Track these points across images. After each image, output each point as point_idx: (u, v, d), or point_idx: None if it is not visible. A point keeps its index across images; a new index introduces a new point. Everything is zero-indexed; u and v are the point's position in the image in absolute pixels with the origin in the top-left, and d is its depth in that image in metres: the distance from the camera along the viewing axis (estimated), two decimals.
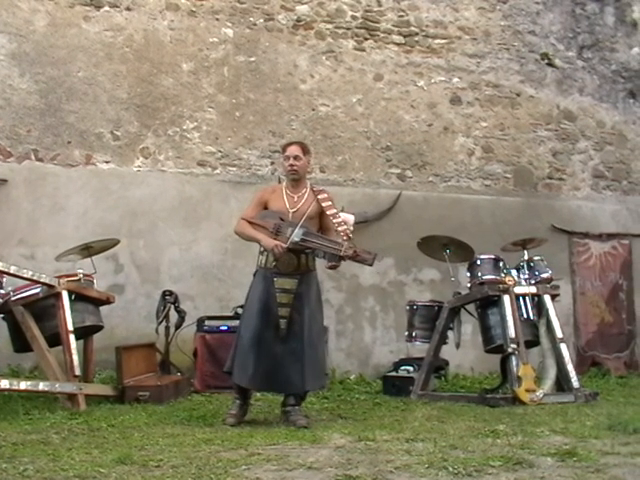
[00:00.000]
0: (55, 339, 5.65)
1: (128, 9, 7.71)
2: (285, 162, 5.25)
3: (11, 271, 5.44)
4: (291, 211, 5.10)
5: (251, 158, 7.93)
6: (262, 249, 5.17)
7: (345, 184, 8.18)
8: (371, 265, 5.20)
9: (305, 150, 5.29)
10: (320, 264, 5.25)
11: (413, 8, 8.66)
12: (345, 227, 5.03)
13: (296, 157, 5.19)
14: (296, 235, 4.96)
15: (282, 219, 5.06)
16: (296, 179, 5.22)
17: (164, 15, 7.82)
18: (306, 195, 5.18)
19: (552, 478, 3.26)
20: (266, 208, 5.19)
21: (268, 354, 4.95)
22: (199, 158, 7.79)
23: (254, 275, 5.23)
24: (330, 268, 5.17)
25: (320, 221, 5.18)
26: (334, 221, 5.08)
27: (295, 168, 5.19)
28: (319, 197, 5.18)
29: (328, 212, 5.13)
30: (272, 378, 4.98)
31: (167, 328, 6.79)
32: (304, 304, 5.04)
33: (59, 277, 5.81)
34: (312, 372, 5.00)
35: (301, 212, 5.08)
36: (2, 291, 5.67)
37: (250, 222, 5.14)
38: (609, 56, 9.43)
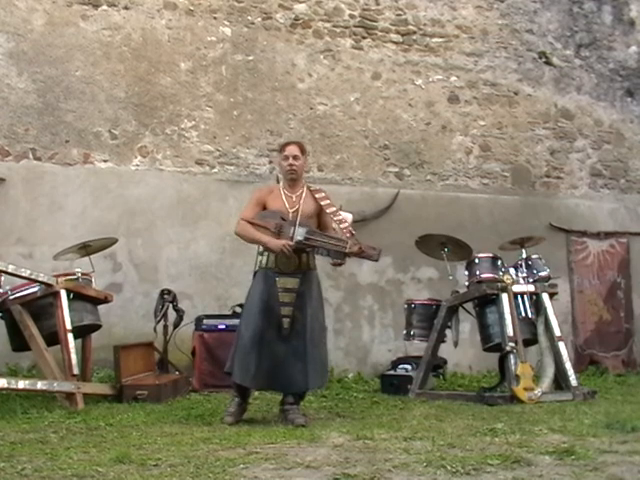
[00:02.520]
0: (53, 338, 5.65)
1: (126, 8, 7.70)
2: (284, 162, 5.22)
3: (9, 270, 5.45)
4: (290, 211, 5.09)
5: (249, 157, 7.92)
6: (262, 250, 5.18)
7: (343, 183, 8.18)
8: (377, 260, 5.21)
9: (303, 150, 5.30)
10: (320, 263, 5.25)
11: (411, 7, 8.66)
12: (347, 224, 5.03)
13: (295, 157, 5.18)
14: (299, 234, 4.96)
15: (283, 218, 5.05)
16: (294, 179, 5.22)
17: (162, 14, 7.82)
18: (304, 195, 5.18)
19: (550, 476, 3.26)
20: (264, 208, 5.18)
21: (270, 353, 4.94)
22: (197, 157, 7.78)
23: (254, 275, 5.22)
24: (335, 265, 5.18)
25: (318, 220, 5.19)
26: (335, 219, 5.08)
27: (294, 168, 5.18)
28: (317, 196, 5.19)
29: (328, 210, 5.14)
30: (274, 377, 4.97)
31: (165, 327, 6.79)
32: (306, 303, 5.04)
33: (57, 276, 5.81)
34: (315, 370, 5.01)
35: (300, 212, 5.07)
36: (0, 290, 5.68)
37: (251, 223, 5.13)
38: (607, 55, 9.44)
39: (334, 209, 5.16)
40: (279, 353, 4.96)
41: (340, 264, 5.13)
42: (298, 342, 4.97)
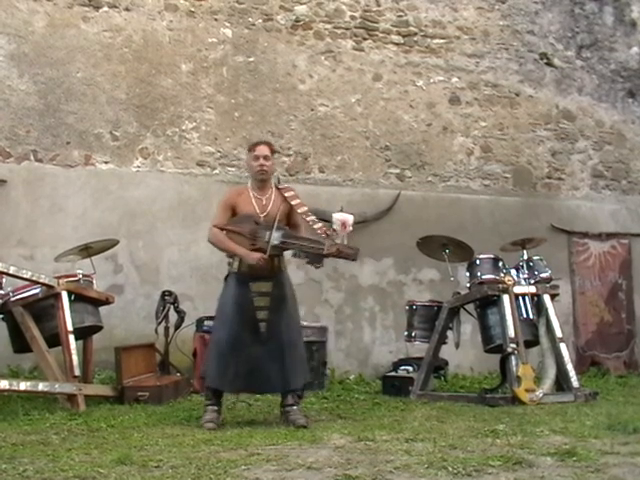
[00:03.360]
0: (54, 339, 5.65)
1: (127, 10, 7.70)
2: (254, 162, 5.07)
3: (10, 271, 5.45)
4: (262, 216, 4.99)
5: None
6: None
7: (344, 184, 8.18)
8: (355, 260, 5.14)
9: (273, 150, 5.22)
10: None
11: (412, 8, 8.66)
12: (321, 225, 4.96)
13: (266, 157, 5.07)
14: (275, 239, 4.88)
15: (257, 222, 4.95)
16: (264, 179, 5.11)
17: (163, 16, 7.82)
18: (273, 196, 5.08)
19: (552, 478, 3.26)
20: (234, 212, 5.06)
21: (247, 357, 4.90)
22: (198, 158, 7.79)
23: (225, 279, 5.15)
24: (311, 265, 5.12)
25: (288, 219, 5.10)
26: (307, 219, 5.01)
27: (265, 168, 5.06)
28: (286, 195, 5.10)
29: (299, 210, 5.06)
30: (251, 378, 4.94)
31: (166, 328, 6.78)
32: (280, 305, 5.01)
33: (58, 277, 5.81)
34: (294, 371, 4.97)
35: (272, 215, 4.97)
36: (1, 292, 5.68)
37: (224, 229, 5.01)
38: (608, 56, 9.44)
39: (305, 209, 5.07)
40: (256, 356, 4.91)
41: (318, 266, 5.07)
42: (275, 344, 4.93)
